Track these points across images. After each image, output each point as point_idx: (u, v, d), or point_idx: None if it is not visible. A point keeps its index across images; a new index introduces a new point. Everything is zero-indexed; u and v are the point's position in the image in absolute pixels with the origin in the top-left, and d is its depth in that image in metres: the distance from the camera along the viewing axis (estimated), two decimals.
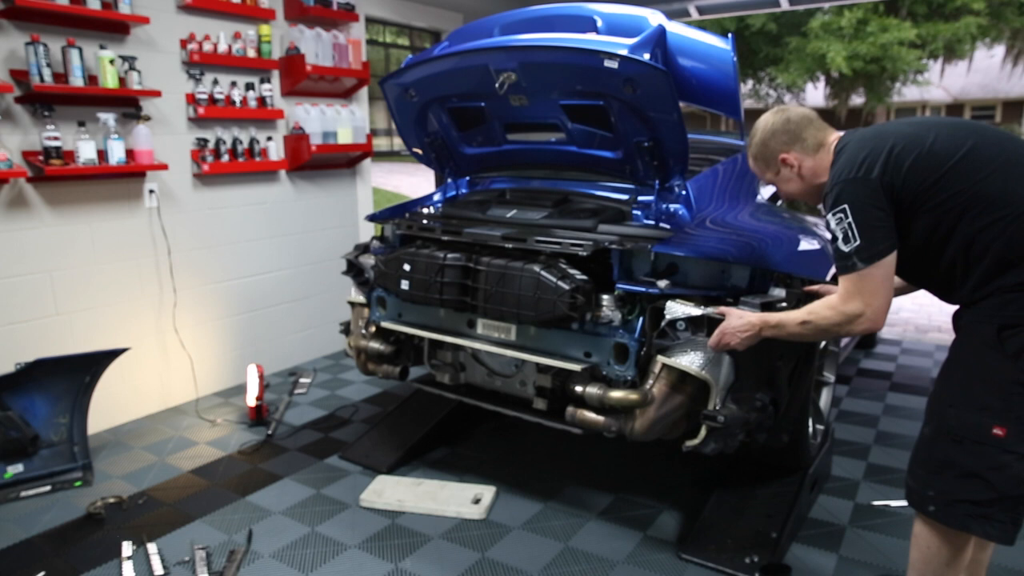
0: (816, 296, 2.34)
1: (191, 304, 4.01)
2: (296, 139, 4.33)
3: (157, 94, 3.58)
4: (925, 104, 24.27)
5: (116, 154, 3.38)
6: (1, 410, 2.93)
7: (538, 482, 3.06)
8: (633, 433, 2.32)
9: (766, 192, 2.94)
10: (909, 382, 4.25)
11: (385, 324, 2.98)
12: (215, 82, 3.93)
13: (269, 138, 4.26)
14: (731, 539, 2.53)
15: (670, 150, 2.58)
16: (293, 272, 4.60)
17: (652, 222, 2.63)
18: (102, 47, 3.34)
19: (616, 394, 2.31)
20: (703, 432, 2.28)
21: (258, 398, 3.73)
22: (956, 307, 1.82)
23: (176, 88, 3.80)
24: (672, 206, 2.66)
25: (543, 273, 2.38)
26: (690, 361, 2.23)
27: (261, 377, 3.75)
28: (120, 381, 3.68)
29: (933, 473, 1.75)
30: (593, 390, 2.35)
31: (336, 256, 4.69)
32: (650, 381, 2.31)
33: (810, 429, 2.85)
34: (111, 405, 3.66)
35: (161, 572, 2.44)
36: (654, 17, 2.55)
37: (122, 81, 3.44)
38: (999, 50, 21.03)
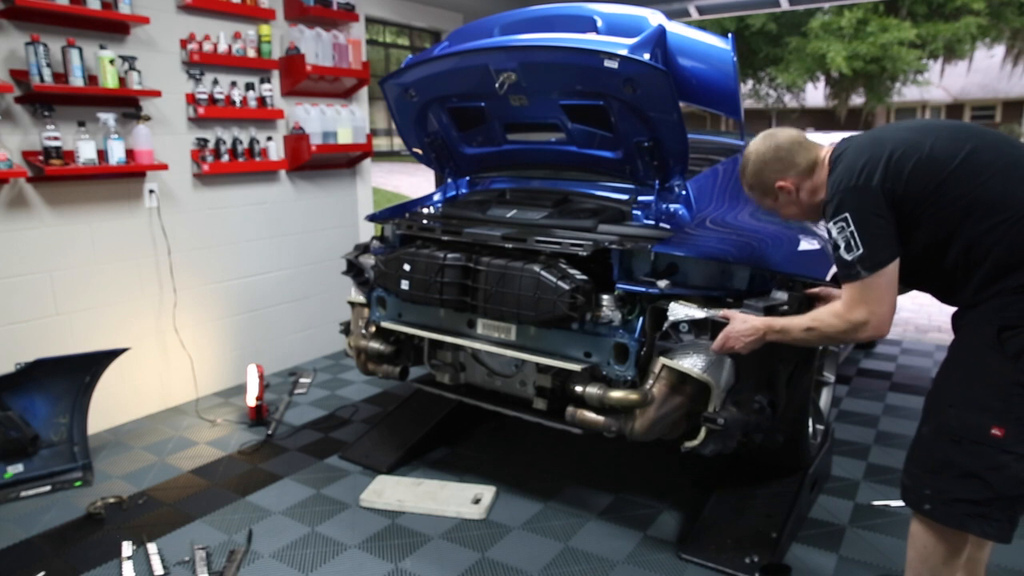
0: (818, 298, 2.34)
1: (191, 304, 4.01)
2: (296, 139, 4.33)
3: (157, 94, 3.58)
4: (925, 104, 24.27)
5: (116, 154, 3.38)
6: (1, 410, 2.93)
7: (538, 482, 3.06)
8: (633, 433, 2.33)
9: None
10: (909, 382, 4.25)
11: (385, 324, 2.98)
12: (215, 82, 3.93)
13: (269, 138, 4.26)
14: (731, 539, 2.53)
15: (670, 150, 2.58)
16: (293, 272, 4.60)
17: (652, 222, 2.64)
18: (102, 47, 3.34)
19: (616, 394, 2.31)
20: (703, 434, 2.28)
21: (258, 398, 3.73)
22: (955, 308, 1.82)
23: (176, 88, 3.80)
24: (672, 206, 2.66)
25: (543, 273, 2.38)
26: (692, 364, 2.23)
27: (261, 377, 3.75)
28: (120, 381, 3.68)
29: (930, 472, 1.75)
30: (593, 390, 2.35)
31: (336, 256, 4.68)
32: (650, 381, 2.31)
33: (810, 429, 2.85)
34: (111, 405, 3.66)
35: (161, 572, 2.44)
36: (654, 17, 2.55)
37: (122, 81, 3.44)
38: (999, 50, 21.04)
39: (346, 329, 3.22)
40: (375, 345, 3.00)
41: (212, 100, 3.90)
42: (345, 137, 4.58)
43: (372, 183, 5.16)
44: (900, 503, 2.80)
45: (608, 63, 2.37)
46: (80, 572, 2.46)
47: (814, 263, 2.64)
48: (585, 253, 2.37)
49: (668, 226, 2.57)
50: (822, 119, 22.88)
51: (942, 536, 1.78)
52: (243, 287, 4.30)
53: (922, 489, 1.76)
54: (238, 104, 4.02)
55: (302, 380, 4.32)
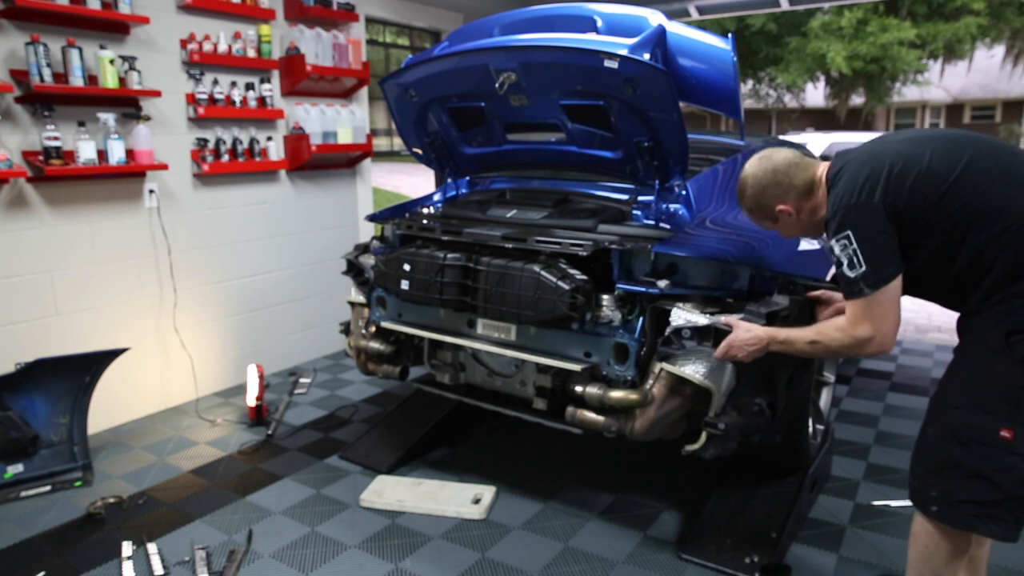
0: (819, 301, 2.34)
1: (191, 304, 4.01)
2: (296, 139, 4.33)
3: (157, 94, 3.58)
4: (925, 104, 24.28)
5: (116, 154, 3.38)
6: (1, 410, 2.93)
7: (538, 482, 3.06)
8: (633, 433, 2.32)
9: None
10: (909, 382, 4.25)
11: (385, 324, 2.98)
12: (215, 82, 3.93)
13: (269, 138, 4.26)
14: (731, 539, 2.53)
15: (670, 150, 2.58)
16: (293, 272, 4.60)
17: (652, 222, 2.63)
18: (102, 47, 3.34)
19: (616, 394, 2.31)
20: (703, 438, 2.28)
21: (258, 398, 3.73)
22: (959, 314, 1.83)
23: (176, 88, 3.80)
24: (672, 206, 2.66)
25: (543, 273, 2.38)
26: (694, 370, 2.23)
27: (261, 377, 3.75)
28: (120, 381, 3.68)
29: (935, 473, 1.76)
30: (593, 390, 2.35)
31: (336, 256, 4.68)
32: (650, 381, 2.31)
33: (810, 429, 2.85)
34: (111, 405, 3.66)
35: (161, 572, 2.44)
36: (654, 17, 2.55)
37: (122, 81, 3.44)
38: (999, 50, 21.04)
39: (346, 329, 3.22)
40: (375, 345, 3.00)
41: (212, 100, 3.90)
42: (345, 137, 4.58)
43: (372, 183, 5.16)
44: (900, 503, 2.81)
45: (608, 63, 2.36)
46: (80, 572, 2.46)
47: (814, 263, 2.64)
48: (585, 253, 2.37)
49: (668, 226, 2.57)
50: (822, 119, 22.88)
51: (945, 536, 1.79)
52: (243, 287, 4.30)
53: (928, 491, 1.77)
54: (238, 104, 4.02)
55: (302, 380, 4.32)
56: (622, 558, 2.53)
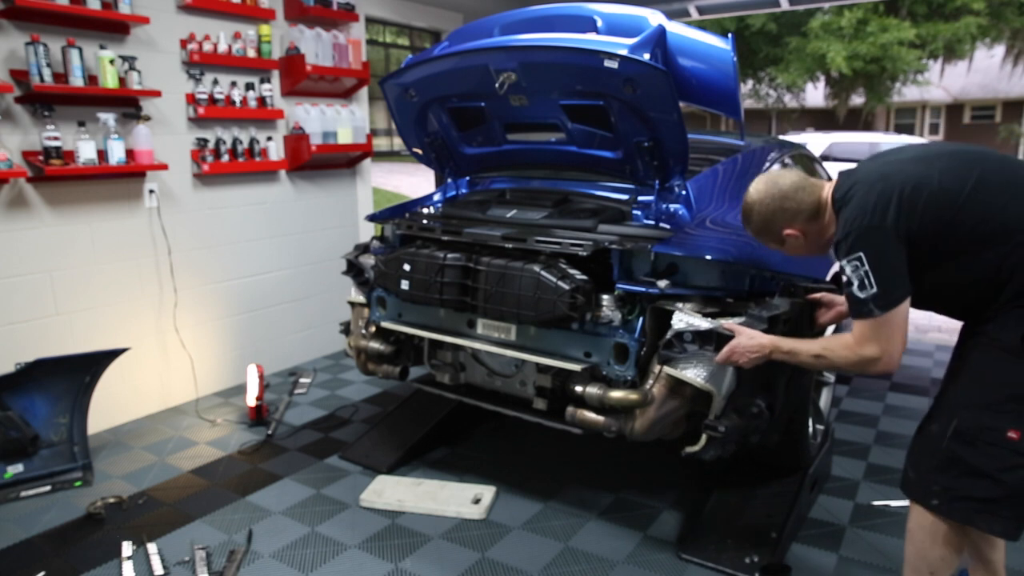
0: (820, 304, 2.34)
1: (191, 304, 4.01)
2: (296, 139, 4.33)
3: (157, 94, 3.58)
4: (925, 104, 24.29)
5: (116, 154, 3.37)
6: (1, 410, 2.93)
7: (538, 482, 3.06)
8: (633, 433, 2.32)
9: None
10: (909, 382, 4.25)
11: (385, 324, 2.98)
12: (215, 82, 3.93)
13: (269, 138, 4.26)
14: (731, 539, 2.53)
15: (670, 150, 2.58)
16: (293, 272, 4.60)
17: (652, 222, 2.63)
18: (102, 47, 3.34)
19: (616, 394, 2.31)
20: (703, 440, 2.28)
21: (258, 398, 3.73)
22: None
23: (176, 88, 3.80)
24: (672, 206, 2.66)
25: (543, 273, 2.37)
26: (695, 374, 2.22)
27: (261, 377, 3.75)
28: (120, 381, 3.68)
29: (938, 470, 1.77)
30: (593, 390, 2.35)
31: (336, 256, 4.68)
32: (650, 381, 2.31)
33: (810, 429, 2.85)
34: (111, 405, 3.66)
35: (161, 572, 2.44)
36: (654, 17, 2.55)
37: (122, 81, 3.44)
38: (999, 50, 21.05)
39: (346, 329, 3.22)
40: (375, 345, 3.00)
41: (212, 100, 3.90)
42: (345, 137, 4.58)
43: (372, 183, 5.16)
44: (900, 503, 2.81)
45: (608, 63, 2.36)
46: (80, 572, 2.46)
47: (814, 264, 2.63)
48: (585, 253, 2.37)
49: (668, 226, 2.57)
50: (822, 119, 22.89)
51: (942, 532, 1.80)
52: (243, 287, 4.30)
53: (930, 486, 1.78)
54: (238, 104, 4.02)
55: (302, 380, 4.32)
56: (622, 558, 2.53)
